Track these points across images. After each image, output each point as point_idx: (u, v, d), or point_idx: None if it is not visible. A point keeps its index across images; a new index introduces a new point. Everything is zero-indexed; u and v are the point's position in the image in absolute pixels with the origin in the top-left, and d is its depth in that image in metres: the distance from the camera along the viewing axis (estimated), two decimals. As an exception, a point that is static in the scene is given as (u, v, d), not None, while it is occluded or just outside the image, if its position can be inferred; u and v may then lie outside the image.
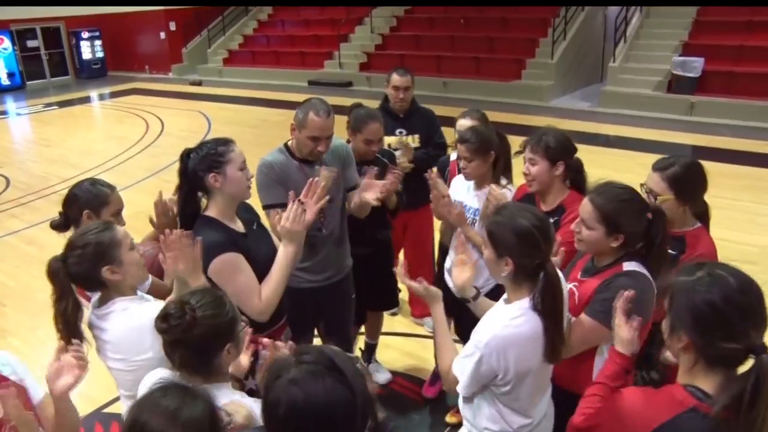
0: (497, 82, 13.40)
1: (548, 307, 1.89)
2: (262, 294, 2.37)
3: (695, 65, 10.99)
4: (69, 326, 2.03)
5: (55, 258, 2.07)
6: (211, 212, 2.44)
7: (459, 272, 2.32)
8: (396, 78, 4.14)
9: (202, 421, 1.42)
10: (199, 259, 2.19)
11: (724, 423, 1.41)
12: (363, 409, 1.31)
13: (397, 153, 3.85)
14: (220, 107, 14.44)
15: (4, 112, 15.95)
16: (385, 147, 3.79)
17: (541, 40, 13.55)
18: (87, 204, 2.55)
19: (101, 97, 17.61)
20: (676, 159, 2.45)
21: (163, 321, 1.79)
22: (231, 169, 2.39)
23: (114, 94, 17.54)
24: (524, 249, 1.90)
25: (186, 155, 2.45)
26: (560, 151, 2.70)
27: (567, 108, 12.35)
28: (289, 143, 3.01)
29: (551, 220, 2.65)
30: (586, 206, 2.17)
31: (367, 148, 3.40)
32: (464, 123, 3.47)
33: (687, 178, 2.40)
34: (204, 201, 2.51)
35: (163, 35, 20.02)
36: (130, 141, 11.44)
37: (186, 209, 2.49)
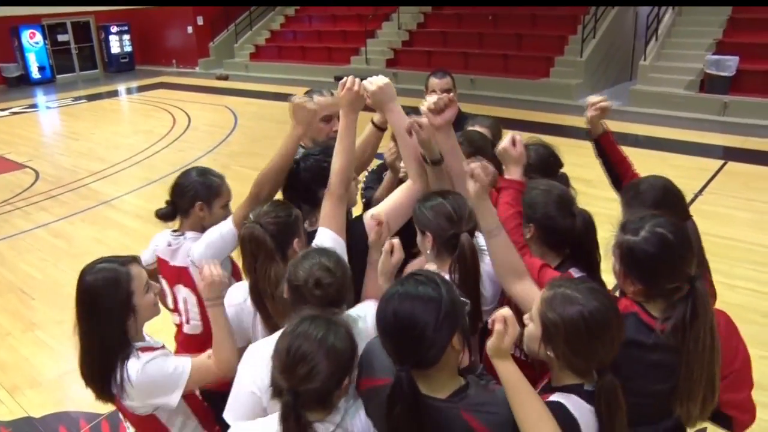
0: (525, 79, 13.24)
1: (461, 271, 2.03)
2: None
3: (730, 64, 10.71)
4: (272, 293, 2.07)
5: (253, 224, 2.12)
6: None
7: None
8: (433, 81, 3.62)
9: (345, 348, 1.63)
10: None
11: (658, 335, 1.77)
12: (450, 310, 1.55)
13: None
14: (246, 102, 14.48)
15: (34, 105, 16.20)
16: None
17: (571, 38, 13.35)
18: (199, 195, 2.54)
19: (129, 91, 17.79)
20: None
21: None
22: None
23: (141, 88, 17.71)
24: (438, 222, 2.08)
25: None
26: (537, 167, 2.56)
27: (596, 106, 12.13)
28: (303, 143, 2.96)
29: None
30: None
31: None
32: None
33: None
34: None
35: (190, 29, 20.16)
36: (157, 135, 11.52)
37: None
